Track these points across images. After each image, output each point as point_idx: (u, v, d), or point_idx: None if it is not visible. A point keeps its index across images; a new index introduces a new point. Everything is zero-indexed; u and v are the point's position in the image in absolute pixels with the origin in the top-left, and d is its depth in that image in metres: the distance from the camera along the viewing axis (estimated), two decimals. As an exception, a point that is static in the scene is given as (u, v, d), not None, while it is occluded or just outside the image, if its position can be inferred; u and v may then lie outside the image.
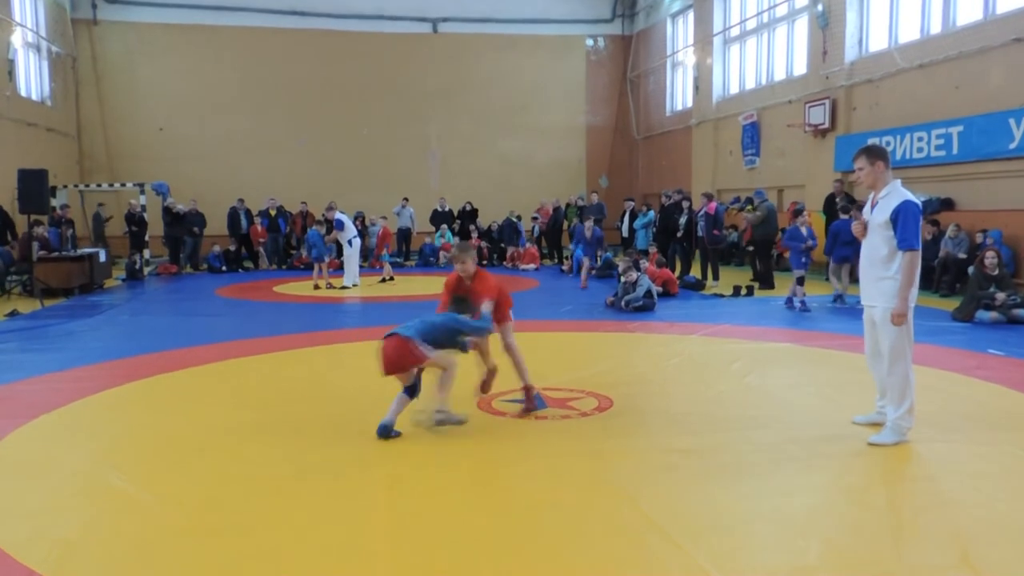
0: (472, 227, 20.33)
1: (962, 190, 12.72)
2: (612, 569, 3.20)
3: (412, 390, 5.03)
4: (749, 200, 14.73)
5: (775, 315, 10.26)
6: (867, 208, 4.90)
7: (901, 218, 4.58)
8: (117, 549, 3.47)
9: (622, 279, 10.98)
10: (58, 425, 5.40)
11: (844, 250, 10.76)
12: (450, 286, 5.50)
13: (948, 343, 7.93)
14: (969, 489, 4.03)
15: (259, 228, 18.93)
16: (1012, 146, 11.48)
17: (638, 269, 11.11)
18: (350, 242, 14.30)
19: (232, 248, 18.56)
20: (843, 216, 11.18)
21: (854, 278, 10.91)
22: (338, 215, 14.47)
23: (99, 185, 19.87)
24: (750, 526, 3.63)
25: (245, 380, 6.83)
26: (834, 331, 8.85)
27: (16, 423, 5.35)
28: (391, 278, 15.31)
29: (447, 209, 20.71)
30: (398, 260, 19.14)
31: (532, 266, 17.85)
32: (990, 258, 9.63)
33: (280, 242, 19.22)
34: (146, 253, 17.71)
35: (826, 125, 15.47)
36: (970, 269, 10.65)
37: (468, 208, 20.81)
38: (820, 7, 15.37)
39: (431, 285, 14.80)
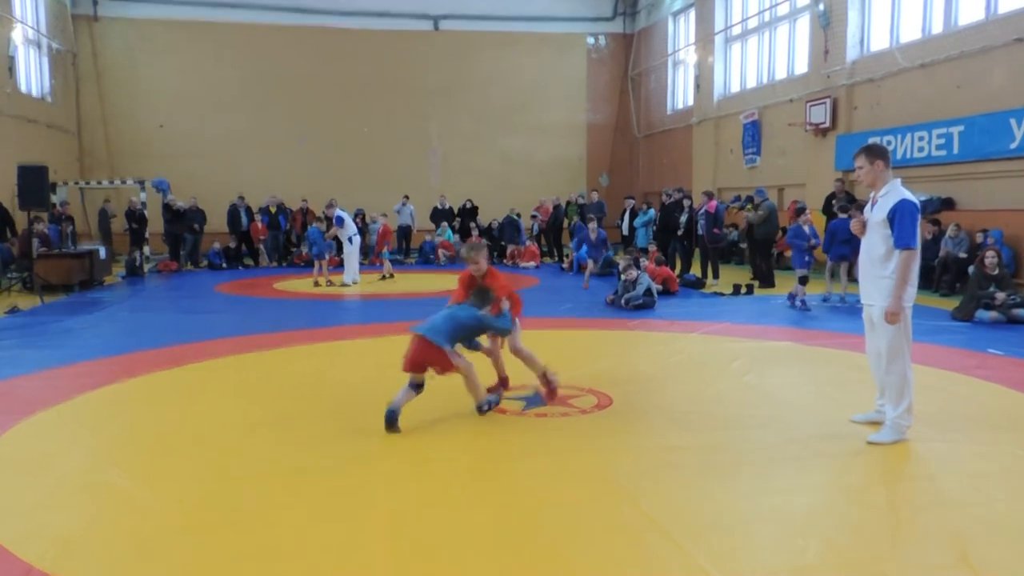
0: (472, 225, 20.32)
1: (963, 190, 12.71)
2: (611, 567, 3.20)
3: (419, 387, 5.16)
4: (750, 199, 14.73)
5: (775, 314, 10.25)
6: (868, 207, 4.90)
7: (898, 217, 4.58)
8: (116, 546, 3.47)
9: (622, 277, 10.98)
10: (57, 421, 5.40)
11: (841, 248, 10.79)
12: (464, 283, 5.66)
13: (948, 342, 7.92)
14: (968, 488, 4.03)
15: (259, 225, 18.92)
16: (1013, 146, 11.47)
17: (638, 267, 11.11)
18: (350, 239, 14.30)
19: (232, 245, 18.55)
20: (841, 215, 11.19)
21: (852, 277, 10.98)
22: (338, 212, 14.47)
23: (99, 182, 19.86)
24: (749, 525, 3.63)
25: (245, 377, 6.83)
26: (834, 330, 8.84)
27: (15, 419, 5.35)
28: (391, 275, 15.30)
29: (447, 207, 20.70)
30: (398, 258, 19.14)
31: (532, 264, 17.84)
32: (990, 258, 9.62)
33: (280, 239, 19.22)
34: (146, 250, 17.71)
35: (827, 124, 15.47)
36: (970, 269, 10.65)
37: (468, 206, 20.80)
38: (822, 6, 15.36)
39: (431, 282, 14.81)
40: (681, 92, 22.75)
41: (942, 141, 12.76)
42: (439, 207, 20.62)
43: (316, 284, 14.04)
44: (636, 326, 9.34)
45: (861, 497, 3.96)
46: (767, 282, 13.20)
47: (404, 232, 20.18)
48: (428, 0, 23.27)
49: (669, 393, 6.13)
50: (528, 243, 18.81)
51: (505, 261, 18.67)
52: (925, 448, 4.66)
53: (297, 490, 4.08)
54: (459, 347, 5.25)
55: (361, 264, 15.27)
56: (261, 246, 18.89)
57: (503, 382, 5.77)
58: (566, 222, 19.63)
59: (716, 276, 13.55)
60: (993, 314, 9.17)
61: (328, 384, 6.48)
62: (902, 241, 4.57)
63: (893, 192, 4.70)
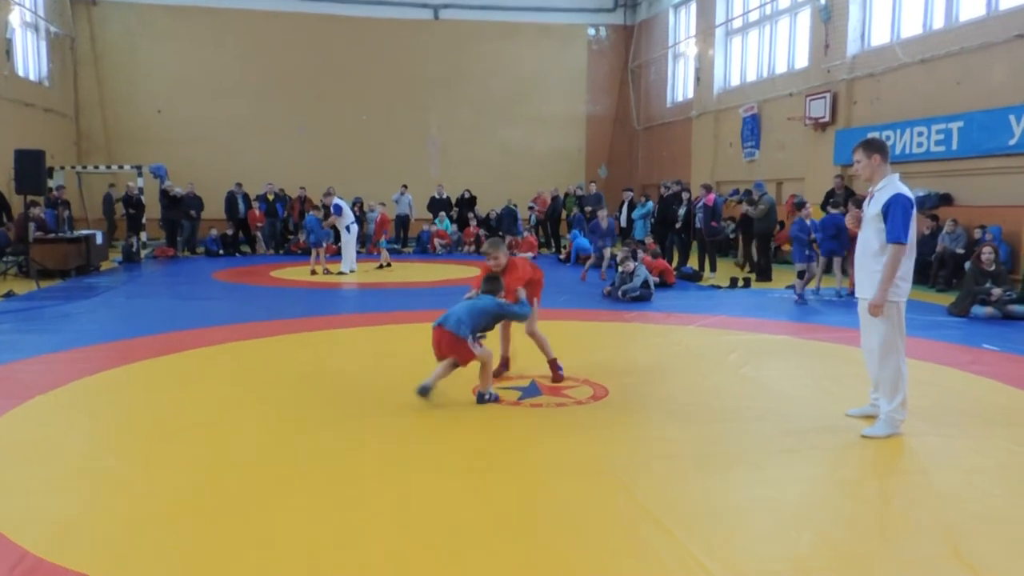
0: (471, 215, 20.31)
1: (961, 185, 12.72)
2: (606, 557, 3.21)
3: (455, 364, 5.42)
4: (748, 192, 14.73)
5: (772, 307, 10.27)
6: (866, 202, 4.91)
7: (891, 211, 4.59)
8: (113, 530, 3.48)
9: (619, 269, 10.99)
10: (54, 406, 5.40)
11: (829, 244, 10.87)
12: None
13: (943, 338, 7.95)
14: (962, 483, 4.04)
15: (257, 213, 18.89)
16: (1012, 142, 11.48)
17: (635, 259, 11.11)
18: (348, 228, 14.28)
19: (229, 232, 18.51)
20: (832, 210, 11.25)
21: (841, 271, 11.06)
22: (336, 200, 14.45)
23: (96, 167, 19.80)
24: (743, 516, 3.65)
25: (242, 364, 6.83)
26: (830, 324, 8.87)
27: (11, 403, 5.35)
28: (388, 264, 15.30)
29: (445, 196, 20.67)
30: (396, 247, 19.13)
31: (530, 254, 17.82)
32: (987, 253, 9.65)
33: (278, 227, 19.19)
34: (143, 236, 17.67)
35: (826, 119, 15.46)
36: (967, 264, 10.69)
37: (467, 196, 20.77)
38: (823, 0, 15.32)
39: (428, 272, 14.81)
40: (681, 85, 22.71)
41: (941, 137, 12.76)
42: (437, 197, 20.59)
43: (313, 272, 14.03)
44: (633, 318, 9.36)
45: (855, 490, 3.98)
46: (765, 276, 13.22)
47: (402, 221, 20.17)
48: (429, -12, 23.21)
49: (665, 385, 6.14)
50: (526, 234, 18.80)
51: (503, 251, 18.61)
52: (919, 442, 4.68)
53: (293, 477, 4.09)
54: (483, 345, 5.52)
55: (359, 253, 15.26)
56: (258, 234, 18.86)
57: (504, 363, 6.09)
58: (564, 213, 19.63)
59: (713, 269, 13.56)
60: (989, 310, 9.20)
61: (325, 372, 6.49)
62: (893, 235, 4.57)
63: (889, 187, 4.70)
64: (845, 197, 12.65)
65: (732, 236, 16.76)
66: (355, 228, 14.55)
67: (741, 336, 8.09)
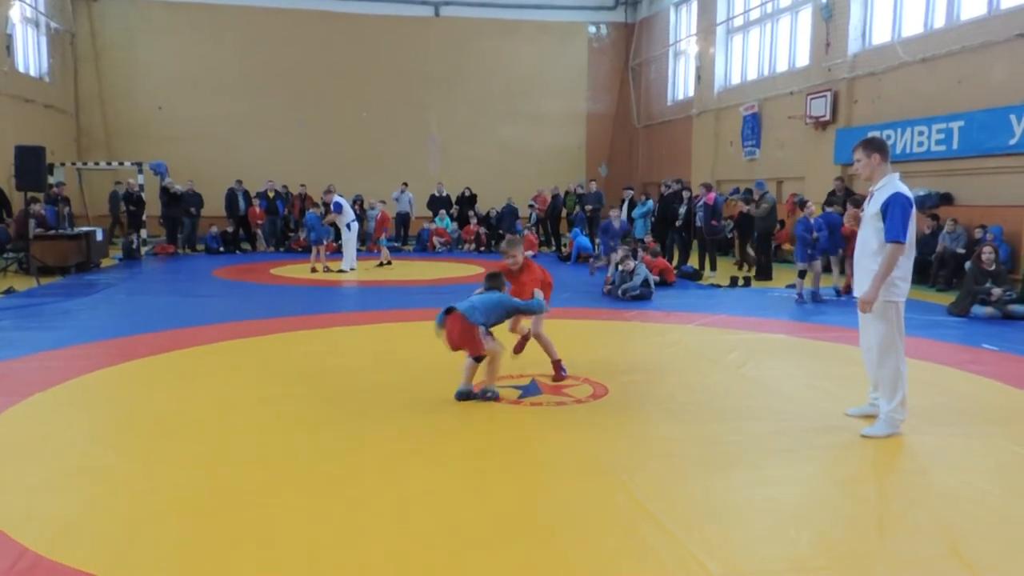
0: (471, 213, 20.29)
1: (961, 185, 12.71)
2: (605, 556, 3.22)
3: (479, 358, 5.46)
4: (748, 191, 14.72)
5: (772, 306, 10.27)
6: (866, 201, 4.91)
7: (890, 210, 4.58)
8: (112, 528, 3.48)
9: (619, 268, 10.99)
10: (53, 403, 5.40)
11: (824, 242, 10.88)
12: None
13: (943, 337, 7.95)
14: (961, 483, 4.05)
15: (257, 210, 18.88)
16: (1012, 142, 11.47)
17: (635, 258, 11.11)
18: (348, 226, 14.28)
19: (230, 230, 18.51)
20: (827, 208, 11.27)
21: (839, 270, 11.08)
22: (336, 198, 14.44)
23: (97, 163, 19.80)
24: (742, 515, 3.65)
25: (242, 362, 6.83)
26: (830, 323, 8.87)
27: (12, 401, 5.35)
28: (389, 262, 15.30)
29: (444, 194, 20.65)
30: (396, 245, 19.12)
31: (530, 253, 17.81)
32: (987, 253, 9.65)
33: (278, 224, 19.18)
34: (143, 233, 17.67)
35: (827, 117, 15.44)
36: (967, 264, 10.69)
37: (467, 194, 20.76)
38: (824, -1, 15.31)
39: (428, 270, 14.81)
40: (682, 83, 22.69)
41: (942, 136, 12.75)
42: (436, 195, 20.57)
43: (313, 270, 14.03)
44: (633, 317, 9.36)
45: (854, 489, 3.98)
46: (765, 275, 13.22)
47: (402, 219, 20.15)
48: (429, -14, 23.19)
49: (665, 384, 6.14)
50: (526, 232, 18.79)
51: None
52: (918, 442, 4.69)
53: (292, 475, 4.09)
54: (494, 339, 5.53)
55: (359, 251, 15.25)
56: (259, 231, 18.85)
57: (524, 338, 6.26)
58: (564, 211, 19.61)
59: (714, 268, 13.55)
60: (989, 310, 9.20)
61: (324, 370, 6.49)
62: (892, 234, 4.56)
63: (888, 186, 4.69)
64: (844, 197, 12.65)
65: (730, 235, 16.76)
66: (355, 226, 14.55)
67: (741, 335, 8.09)
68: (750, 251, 14.46)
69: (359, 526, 3.49)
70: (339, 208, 14.21)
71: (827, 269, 11.33)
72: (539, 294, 5.72)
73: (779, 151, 17.55)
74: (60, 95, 20.30)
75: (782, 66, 17.91)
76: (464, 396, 5.43)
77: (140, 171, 18.49)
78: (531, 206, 20.10)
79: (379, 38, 22.78)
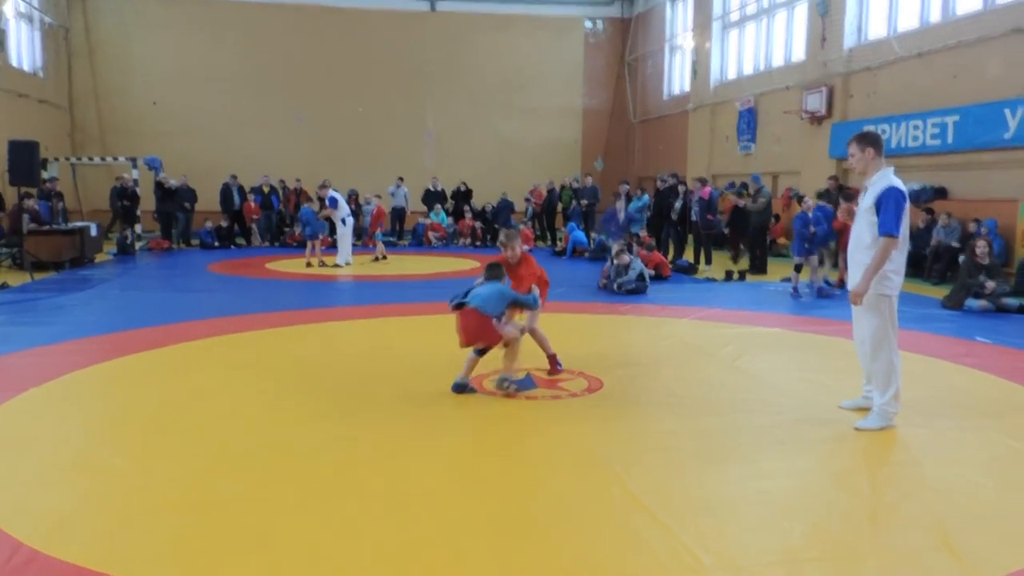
0: (466, 208, 20.27)
1: (956, 179, 12.74)
2: (599, 548, 3.23)
3: (482, 352, 5.49)
4: (744, 185, 14.73)
5: (767, 300, 10.29)
6: (861, 195, 4.92)
7: (884, 204, 4.59)
8: (106, 523, 3.48)
9: (615, 261, 10.99)
10: (48, 399, 5.39)
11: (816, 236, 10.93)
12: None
13: (937, 330, 7.98)
14: (954, 475, 4.06)
15: (252, 205, 18.84)
16: (1007, 136, 11.49)
17: (631, 252, 11.12)
18: (343, 220, 14.25)
19: (224, 224, 18.47)
20: (819, 203, 11.29)
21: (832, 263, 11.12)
22: (331, 193, 14.40)
23: (91, 158, 19.73)
24: (736, 508, 3.66)
25: (237, 357, 6.82)
26: (824, 317, 8.89)
27: (6, 396, 5.34)
28: (384, 257, 15.28)
29: (439, 189, 20.61)
30: (391, 239, 19.10)
31: (526, 247, 17.76)
32: (981, 247, 9.67)
33: (273, 219, 19.15)
34: (137, 228, 17.62)
35: (823, 112, 15.45)
36: (961, 257, 10.71)
37: (463, 188, 20.73)
38: (820, -7, 15.30)
39: (424, 265, 14.80)
40: (678, 78, 22.68)
41: (937, 130, 12.77)
42: (431, 189, 20.53)
43: (308, 265, 14.01)
44: (628, 311, 9.37)
45: (847, 482, 4.00)
46: (760, 269, 13.24)
47: (398, 214, 20.12)
48: (425, -20, 23.14)
49: (660, 377, 6.15)
50: (521, 226, 18.77)
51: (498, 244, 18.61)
52: (912, 435, 4.70)
53: (288, 470, 4.09)
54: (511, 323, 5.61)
55: (354, 245, 15.23)
56: (254, 226, 18.81)
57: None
58: (560, 206, 19.60)
59: (709, 262, 13.58)
60: (982, 303, 9.23)
61: (320, 365, 6.48)
62: (885, 228, 4.57)
63: (882, 180, 4.70)
64: (836, 193, 12.66)
65: (724, 231, 16.77)
66: (351, 221, 14.53)
67: (736, 329, 8.11)
68: (741, 246, 14.45)
69: (355, 519, 3.49)
70: (334, 203, 14.18)
71: (820, 262, 11.35)
72: (535, 289, 5.73)
73: (775, 146, 17.57)
74: (54, 90, 20.22)
75: (778, 61, 17.91)
76: (461, 388, 5.44)
77: (134, 166, 18.44)
78: (527, 200, 20.09)
79: (374, 33, 22.73)
